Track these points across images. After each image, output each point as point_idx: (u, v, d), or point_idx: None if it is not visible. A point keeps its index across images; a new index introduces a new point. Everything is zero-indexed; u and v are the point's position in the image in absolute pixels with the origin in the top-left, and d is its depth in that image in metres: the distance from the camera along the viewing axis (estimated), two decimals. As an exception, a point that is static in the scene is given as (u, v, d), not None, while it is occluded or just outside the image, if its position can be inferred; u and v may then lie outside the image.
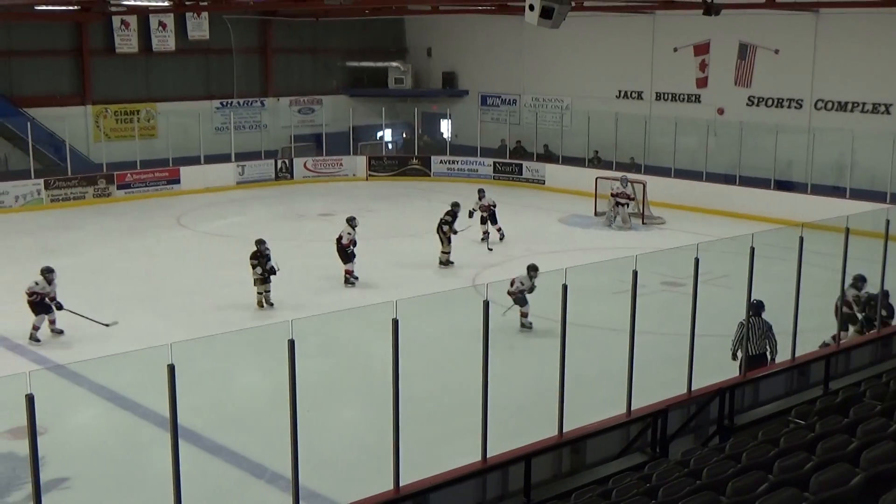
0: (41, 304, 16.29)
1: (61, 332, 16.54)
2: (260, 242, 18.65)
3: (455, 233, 20.98)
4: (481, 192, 23.92)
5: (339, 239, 20.04)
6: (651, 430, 9.76)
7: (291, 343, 7.62)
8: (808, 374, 11.81)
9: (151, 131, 32.37)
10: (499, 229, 23.36)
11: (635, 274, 9.82)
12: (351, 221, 20.32)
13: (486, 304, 8.70)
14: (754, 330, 12.47)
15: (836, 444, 6.10)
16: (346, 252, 19.93)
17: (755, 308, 12.56)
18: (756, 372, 11.40)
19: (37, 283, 16.34)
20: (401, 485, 8.42)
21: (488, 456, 8.94)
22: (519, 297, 16.10)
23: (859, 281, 14.70)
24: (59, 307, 16.40)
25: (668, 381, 13.16)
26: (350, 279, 19.93)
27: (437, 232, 21.09)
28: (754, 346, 12.44)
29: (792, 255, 11.39)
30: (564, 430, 9.58)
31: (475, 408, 8.85)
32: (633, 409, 10.08)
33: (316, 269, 21.05)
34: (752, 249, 10.86)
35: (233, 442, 12.03)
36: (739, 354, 12.44)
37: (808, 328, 13.07)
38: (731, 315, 12.75)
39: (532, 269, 16.29)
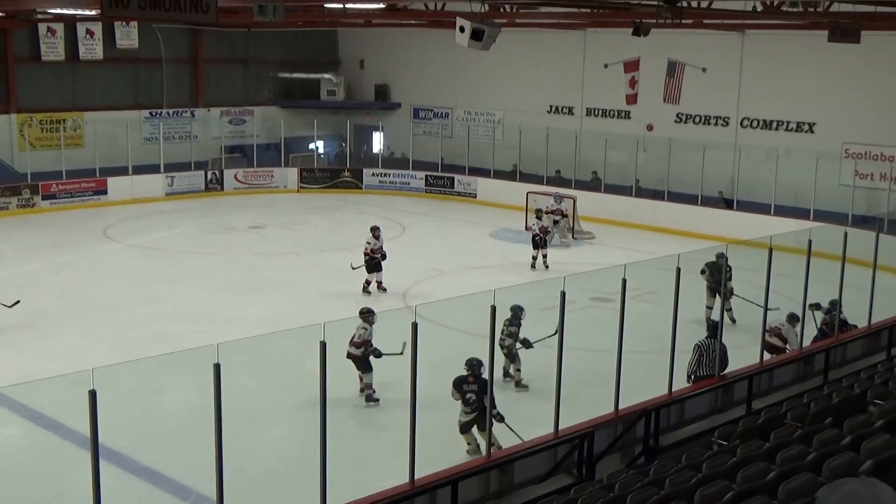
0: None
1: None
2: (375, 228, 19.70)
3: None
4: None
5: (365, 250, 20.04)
6: (578, 452, 9.79)
7: (217, 367, 7.54)
8: (732, 393, 11.98)
9: (78, 141, 31.78)
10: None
11: (563, 295, 9.86)
12: (374, 231, 20.13)
13: (415, 326, 8.68)
14: (708, 352, 12.53)
15: (756, 473, 6.19)
16: (366, 261, 19.98)
17: (712, 329, 12.70)
18: (682, 391, 11.53)
19: None
20: (327, 507, 8.35)
21: (416, 477, 8.91)
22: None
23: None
24: None
25: (598, 398, 13.33)
26: (367, 289, 19.99)
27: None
28: (708, 368, 12.47)
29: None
30: (492, 452, 9.59)
31: (403, 428, 8.83)
32: (560, 428, 10.12)
33: (245, 283, 20.88)
34: (678, 270, 11.00)
35: (157, 462, 11.83)
36: (693, 377, 12.54)
37: (734, 345, 13.29)
38: (659, 332, 12.89)
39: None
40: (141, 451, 12.07)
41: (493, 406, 10.84)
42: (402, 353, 11.89)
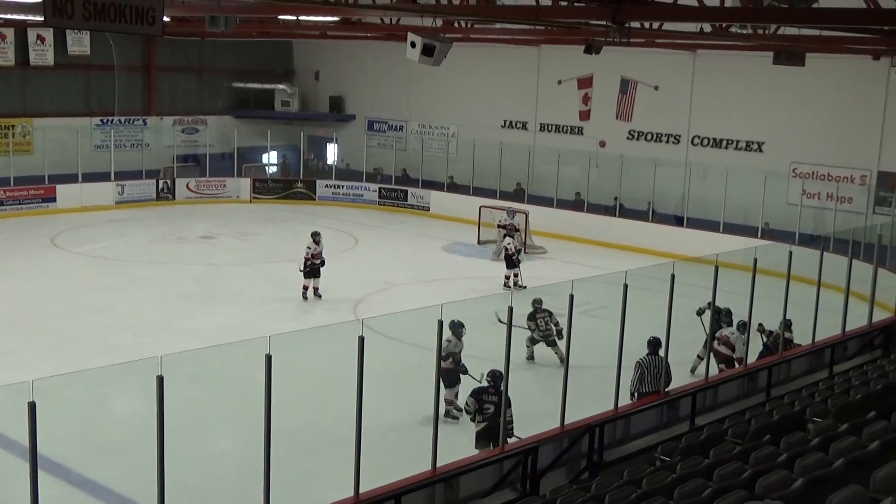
0: None
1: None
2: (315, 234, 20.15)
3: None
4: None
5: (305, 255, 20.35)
6: (523, 466, 9.85)
7: (160, 379, 7.51)
8: (677, 409, 12.11)
9: (27, 147, 31.37)
10: None
11: (510, 310, 9.92)
12: (315, 236, 20.52)
13: (361, 340, 8.69)
14: (650, 369, 12.63)
15: (693, 490, 6.27)
16: (305, 266, 20.26)
17: (653, 346, 12.79)
18: (628, 407, 11.63)
19: None
20: (271, 521, 8.33)
21: (361, 491, 8.91)
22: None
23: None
24: None
25: (545, 412, 13.41)
26: (305, 294, 20.25)
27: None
28: (651, 384, 12.56)
29: (666, 288, 11.70)
30: (438, 466, 9.62)
31: (350, 441, 8.83)
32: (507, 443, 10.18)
33: (195, 293, 20.75)
34: (626, 286, 11.11)
35: (101, 475, 11.71)
36: (636, 395, 12.62)
37: (680, 360, 13.45)
38: (609, 347, 13.00)
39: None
40: (84, 463, 11.95)
41: (511, 420, 10.88)
42: (479, 381, 12.10)
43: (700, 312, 14.54)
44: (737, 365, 14.50)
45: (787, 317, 14.08)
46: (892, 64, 20.34)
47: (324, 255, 20.47)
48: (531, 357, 16.42)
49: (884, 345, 15.48)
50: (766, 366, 13.31)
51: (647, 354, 12.77)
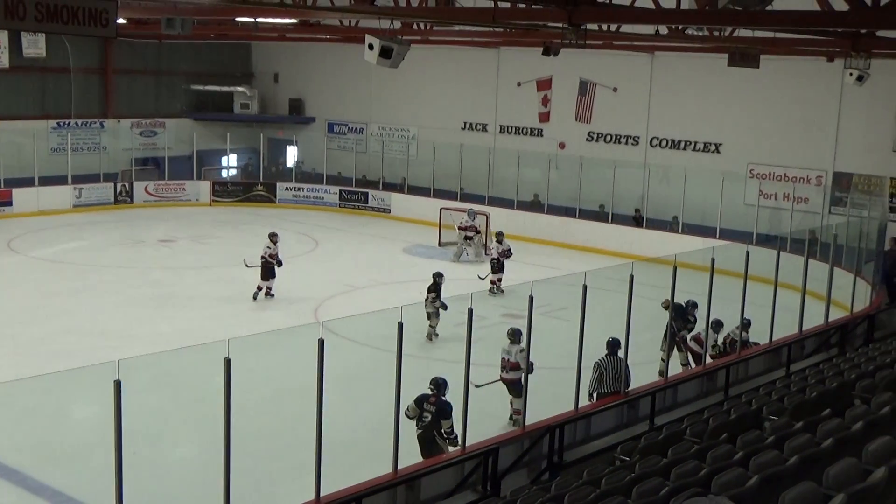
0: None
1: None
2: (438, 276, 18.35)
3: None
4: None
5: (263, 255, 20.42)
6: (483, 468, 9.88)
7: (118, 384, 7.46)
8: (637, 409, 12.20)
9: (-18, 151, 31.02)
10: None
11: (470, 312, 9.96)
12: (272, 237, 20.62)
13: (321, 343, 8.68)
14: (609, 369, 12.64)
15: (651, 489, 6.33)
16: (266, 267, 20.30)
17: (611, 347, 12.82)
18: (588, 407, 11.70)
19: None
20: (231, 526, 8.30)
21: (322, 494, 8.90)
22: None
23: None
24: None
25: (506, 413, 13.47)
26: (259, 294, 20.41)
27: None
28: (610, 385, 12.59)
29: (626, 289, 11.78)
30: (399, 468, 9.63)
31: (311, 445, 8.82)
32: (468, 444, 10.20)
33: (155, 298, 20.59)
34: (585, 287, 11.19)
35: (58, 481, 11.59)
36: (595, 395, 12.67)
37: (640, 360, 13.54)
38: (568, 348, 13.06)
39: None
40: (42, 470, 11.83)
41: (452, 430, 10.81)
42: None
43: (666, 306, 14.62)
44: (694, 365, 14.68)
45: (746, 316, 14.24)
46: (846, 66, 20.60)
47: (280, 256, 20.52)
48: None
49: (840, 343, 15.69)
50: (725, 365, 13.44)
51: (606, 355, 12.82)
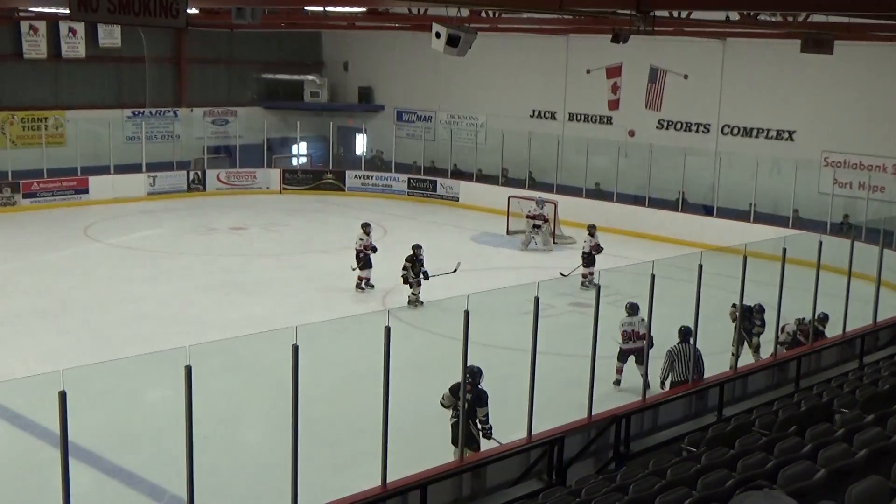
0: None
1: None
2: (417, 247, 19.49)
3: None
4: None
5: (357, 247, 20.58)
6: (549, 457, 9.87)
7: (188, 369, 7.59)
8: (706, 399, 12.08)
9: (60, 139, 31.72)
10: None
11: (537, 300, 9.93)
12: (365, 227, 20.68)
13: (388, 330, 8.73)
14: (681, 357, 12.60)
15: (716, 480, 6.27)
16: (358, 258, 20.41)
17: (683, 334, 12.77)
18: (656, 397, 11.62)
19: None
20: (299, 510, 8.40)
21: (388, 481, 8.97)
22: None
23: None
24: None
25: (573, 403, 13.43)
26: (361, 285, 20.43)
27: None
28: (682, 373, 12.54)
29: (695, 278, 11.66)
30: (465, 455, 9.66)
31: (377, 431, 8.88)
32: (534, 433, 10.19)
33: (224, 284, 20.89)
34: (653, 277, 11.09)
35: (132, 464, 11.85)
36: (668, 383, 12.61)
37: (708, 351, 13.39)
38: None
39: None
40: (116, 452, 12.09)
41: (487, 420, 10.83)
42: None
43: (734, 315, 14.38)
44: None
45: (818, 308, 13.98)
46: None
47: (373, 243, 20.66)
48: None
49: (915, 335, 15.34)
50: (796, 356, 13.23)
51: (679, 343, 12.75)
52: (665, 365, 12.62)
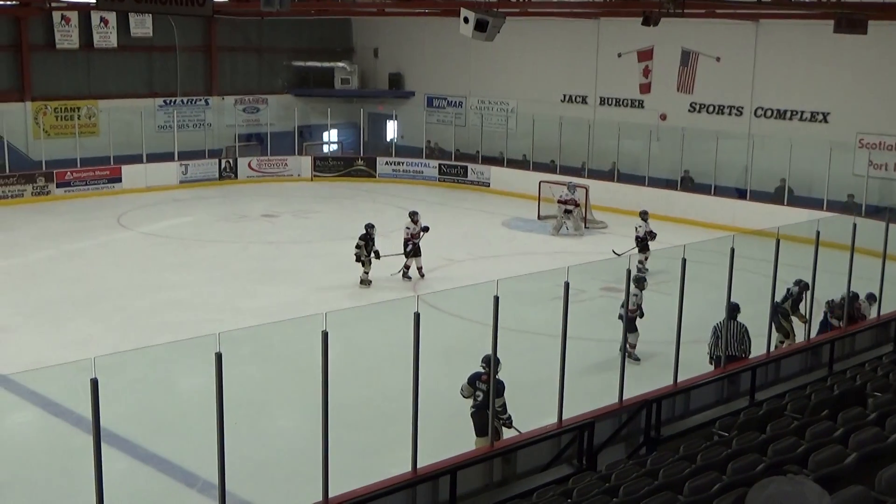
0: None
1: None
2: (370, 226, 19.84)
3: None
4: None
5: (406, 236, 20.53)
6: (579, 441, 9.84)
7: (219, 356, 7.62)
8: (738, 384, 11.99)
9: (92, 129, 31.97)
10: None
11: (567, 285, 9.89)
12: (413, 216, 20.70)
13: (417, 316, 8.73)
14: (732, 332, 12.66)
15: (746, 465, 6.23)
16: (405, 246, 20.38)
17: (732, 311, 12.79)
18: (687, 382, 11.55)
19: None
20: (330, 495, 8.43)
21: (418, 466, 8.98)
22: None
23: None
24: None
25: (604, 387, 13.38)
26: (408, 273, 20.44)
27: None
28: (732, 348, 12.61)
29: (727, 262, 11.58)
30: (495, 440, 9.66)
31: (408, 417, 8.89)
32: (565, 418, 10.17)
33: (255, 271, 20.99)
34: (684, 261, 11.02)
35: (165, 450, 11.94)
36: (714, 359, 12.63)
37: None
38: (668, 321, 12.91)
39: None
40: (149, 439, 12.19)
41: (505, 410, 10.81)
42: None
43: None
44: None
45: (854, 290, 13.87)
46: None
47: (421, 229, 20.55)
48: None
49: (952, 318, 15.13)
50: (830, 340, 13.11)
51: (725, 319, 12.81)
52: (711, 340, 12.63)
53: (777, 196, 25.83)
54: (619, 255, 20.79)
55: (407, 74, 37.17)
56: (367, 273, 19.71)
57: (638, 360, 14.87)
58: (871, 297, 14.46)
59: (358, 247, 19.65)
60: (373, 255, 19.62)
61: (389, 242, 21.18)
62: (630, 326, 14.60)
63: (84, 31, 31.60)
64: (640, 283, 15.31)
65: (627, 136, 29.41)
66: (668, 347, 11.76)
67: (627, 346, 14.23)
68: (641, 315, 15.40)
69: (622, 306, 15.03)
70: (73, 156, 30.00)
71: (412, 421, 8.87)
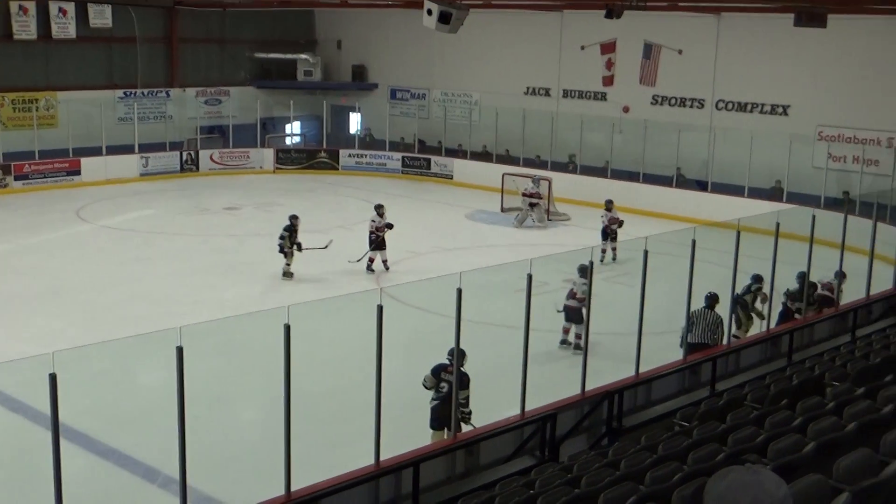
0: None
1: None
2: (293, 217, 19.84)
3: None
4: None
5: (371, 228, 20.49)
6: (542, 433, 9.88)
7: (180, 350, 7.57)
8: (698, 374, 12.09)
9: (51, 121, 31.57)
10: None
11: (529, 278, 9.91)
12: (378, 209, 20.66)
13: (380, 309, 8.72)
14: (708, 320, 13.23)
15: (707, 454, 6.28)
16: (370, 240, 20.35)
17: (708, 300, 13.32)
18: (648, 373, 11.61)
19: None
20: (292, 489, 8.41)
21: (381, 459, 8.97)
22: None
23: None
24: None
25: (567, 379, 13.43)
26: (371, 266, 20.34)
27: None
28: (706, 336, 13.12)
29: (689, 254, 11.67)
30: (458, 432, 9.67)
31: (370, 410, 8.88)
32: (527, 409, 10.19)
33: (217, 264, 20.86)
34: (646, 253, 11.08)
35: (125, 445, 11.85)
36: (685, 345, 12.78)
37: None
38: (630, 313, 12.97)
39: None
40: (109, 434, 12.09)
41: (467, 403, 10.81)
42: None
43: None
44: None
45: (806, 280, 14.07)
46: (919, 24, 20.07)
47: (385, 223, 20.49)
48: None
49: (908, 308, 15.35)
50: (789, 330, 13.25)
51: (703, 307, 13.25)
52: (685, 326, 12.75)
53: (774, 194, 25.85)
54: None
55: (370, 67, 37.07)
56: (288, 265, 19.69)
57: (580, 350, 14.67)
58: (840, 276, 14.67)
59: (282, 238, 19.63)
60: (295, 247, 19.65)
61: (353, 235, 21.14)
62: (577, 317, 15.01)
63: (42, 22, 31.18)
64: (585, 272, 15.23)
65: (590, 128, 29.50)
66: (631, 339, 11.83)
67: (574, 336, 15.10)
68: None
69: (567, 297, 15.41)
70: (31, 148, 29.63)
71: (375, 414, 8.86)
